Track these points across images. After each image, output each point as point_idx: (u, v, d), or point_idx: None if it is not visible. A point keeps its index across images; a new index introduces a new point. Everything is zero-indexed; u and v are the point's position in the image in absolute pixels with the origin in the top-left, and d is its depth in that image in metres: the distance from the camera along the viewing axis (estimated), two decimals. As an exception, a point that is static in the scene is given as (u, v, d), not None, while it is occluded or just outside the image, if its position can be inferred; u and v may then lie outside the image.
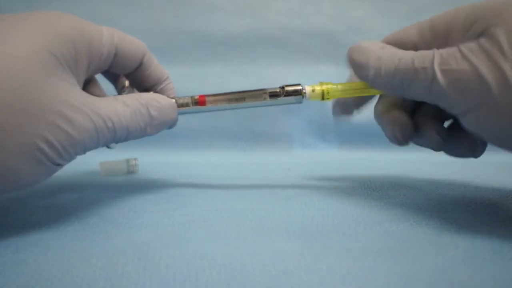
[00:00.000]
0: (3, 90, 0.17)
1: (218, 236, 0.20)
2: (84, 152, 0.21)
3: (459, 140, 0.26)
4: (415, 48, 0.24)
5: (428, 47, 0.23)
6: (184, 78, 0.57)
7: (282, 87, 0.27)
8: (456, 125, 0.26)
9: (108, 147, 0.29)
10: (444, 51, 0.21)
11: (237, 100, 0.27)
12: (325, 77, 0.66)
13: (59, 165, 0.20)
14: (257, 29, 0.61)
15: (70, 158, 0.21)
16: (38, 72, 0.19)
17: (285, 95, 0.27)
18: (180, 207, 0.26)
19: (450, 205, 0.25)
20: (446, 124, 0.27)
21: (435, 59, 0.21)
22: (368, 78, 0.24)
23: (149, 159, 0.47)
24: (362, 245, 0.18)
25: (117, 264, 0.16)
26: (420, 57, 0.21)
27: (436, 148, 0.26)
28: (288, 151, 0.59)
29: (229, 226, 0.22)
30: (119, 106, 0.23)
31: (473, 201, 0.27)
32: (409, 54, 0.22)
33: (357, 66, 0.25)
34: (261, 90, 0.27)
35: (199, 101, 0.27)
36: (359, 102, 0.29)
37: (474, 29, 0.20)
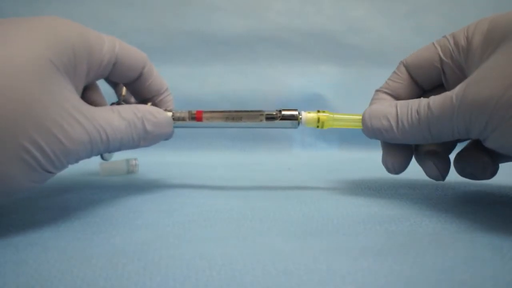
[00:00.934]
0: None
1: (218, 236, 0.20)
2: (76, 161, 0.21)
3: (472, 162, 0.26)
4: (439, 61, 0.25)
5: (450, 58, 0.24)
6: (184, 78, 0.57)
7: (279, 111, 0.27)
8: (469, 149, 0.26)
9: (103, 158, 0.29)
10: (455, 89, 0.21)
11: (233, 119, 0.27)
12: (325, 77, 0.67)
13: (51, 173, 0.20)
14: (257, 29, 0.61)
15: (62, 166, 0.21)
16: (35, 77, 0.18)
17: (281, 119, 0.27)
18: (180, 207, 0.26)
19: (450, 205, 0.25)
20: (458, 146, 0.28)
21: (453, 98, 0.21)
22: (396, 138, 0.25)
23: (149, 159, 0.47)
24: (362, 245, 0.18)
25: (117, 264, 0.16)
26: (435, 101, 0.22)
27: (435, 178, 0.26)
28: (288, 151, 0.59)
29: (229, 226, 0.22)
30: (115, 118, 0.23)
31: (473, 201, 0.27)
32: (423, 101, 0.23)
33: (381, 132, 0.25)
34: (258, 111, 0.27)
35: (196, 117, 0.27)
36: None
37: (495, 34, 0.21)
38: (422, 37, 0.61)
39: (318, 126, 0.28)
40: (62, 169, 0.21)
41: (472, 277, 0.15)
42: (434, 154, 0.26)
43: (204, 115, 0.27)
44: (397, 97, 0.28)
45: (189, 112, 0.27)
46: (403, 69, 0.27)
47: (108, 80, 0.28)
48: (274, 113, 0.27)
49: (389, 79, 0.28)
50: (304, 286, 0.14)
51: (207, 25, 0.61)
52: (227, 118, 0.27)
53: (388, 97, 0.28)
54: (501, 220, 0.22)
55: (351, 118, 0.27)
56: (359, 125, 0.27)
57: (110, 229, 0.21)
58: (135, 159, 0.42)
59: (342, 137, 0.60)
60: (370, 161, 0.51)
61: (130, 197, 0.29)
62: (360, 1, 0.62)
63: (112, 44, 0.24)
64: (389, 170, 0.27)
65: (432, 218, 0.22)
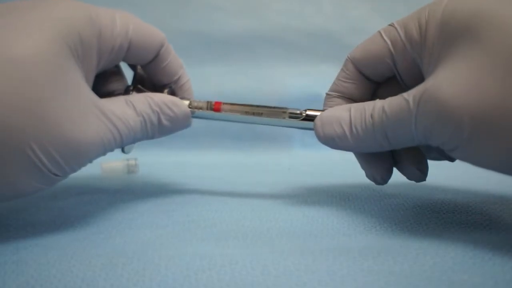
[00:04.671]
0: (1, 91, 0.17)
1: (218, 236, 0.20)
2: (90, 161, 0.21)
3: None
4: (390, 57, 0.22)
5: (402, 54, 0.22)
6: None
7: (305, 110, 0.25)
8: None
9: (123, 152, 0.28)
10: (412, 92, 0.19)
11: (254, 114, 0.26)
12: (325, 77, 0.66)
13: (60, 176, 0.19)
14: (257, 29, 0.61)
15: (72, 170, 0.20)
16: (41, 78, 0.17)
17: (304, 119, 0.25)
18: (180, 207, 0.26)
19: (450, 205, 0.25)
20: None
21: (410, 104, 0.19)
22: (349, 145, 0.22)
23: (149, 159, 0.47)
24: (362, 245, 0.18)
25: (117, 264, 0.16)
26: (391, 105, 0.20)
27: (417, 180, 0.25)
28: (288, 151, 0.59)
29: (229, 227, 0.22)
30: (129, 114, 0.22)
31: (473, 201, 0.27)
32: (378, 104, 0.21)
33: (334, 140, 0.23)
34: (281, 108, 0.25)
35: (215, 108, 0.26)
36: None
37: (452, 28, 0.18)
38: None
39: None
40: (72, 172, 0.20)
41: (472, 277, 0.15)
42: (412, 157, 0.25)
43: (223, 106, 0.26)
44: (350, 98, 0.25)
45: (208, 102, 0.26)
46: (350, 66, 0.25)
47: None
48: (298, 112, 0.25)
49: (337, 78, 0.26)
50: (304, 286, 0.14)
51: (207, 25, 0.61)
52: (247, 113, 0.26)
53: (341, 101, 0.25)
54: (501, 220, 0.22)
55: None
56: None
57: (110, 229, 0.21)
58: (135, 159, 0.42)
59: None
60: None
61: (130, 197, 0.29)
62: (360, 1, 0.62)
63: (125, 25, 0.22)
64: (378, 182, 0.25)
65: (432, 218, 0.22)
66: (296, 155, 0.58)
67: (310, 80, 0.61)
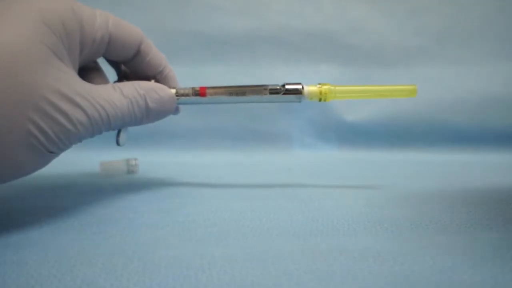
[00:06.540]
0: None
1: (218, 236, 0.20)
2: (80, 140, 0.22)
3: None
4: None
5: None
6: (184, 78, 0.57)
7: (283, 85, 0.28)
8: None
9: (118, 144, 0.28)
10: None
11: (237, 94, 0.27)
12: (325, 77, 0.67)
13: (55, 153, 0.20)
14: (257, 29, 0.61)
15: (66, 147, 0.21)
16: (29, 62, 0.18)
17: (284, 93, 0.27)
18: (180, 207, 0.26)
19: (450, 205, 0.26)
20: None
21: None
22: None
23: (149, 159, 0.47)
24: (362, 245, 0.18)
25: (117, 264, 0.16)
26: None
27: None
28: (288, 151, 0.59)
29: (229, 226, 0.22)
30: (116, 96, 0.23)
31: (473, 202, 0.27)
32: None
33: None
34: (262, 86, 0.28)
35: (200, 93, 0.27)
36: None
37: None
38: (422, 37, 0.61)
39: (320, 99, 0.28)
40: (65, 149, 0.21)
41: (472, 277, 0.15)
42: None
43: (208, 90, 0.27)
44: None
45: (193, 88, 0.27)
46: None
47: (107, 59, 0.28)
48: (278, 87, 0.27)
49: None
50: (304, 286, 0.14)
51: (207, 25, 0.61)
52: (230, 93, 0.27)
53: None
54: (501, 220, 0.22)
55: (353, 89, 0.28)
56: (361, 96, 0.28)
57: (110, 229, 0.21)
58: (135, 159, 0.42)
59: (342, 137, 0.60)
60: (370, 161, 0.51)
61: (130, 197, 0.29)
62: (360, 1, 0.62)
63: (105, 20, 0.23)
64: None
65: (432, 218, 0.23)
66: (296, 155, 0.58)
67: (310, 80, 0.61)
